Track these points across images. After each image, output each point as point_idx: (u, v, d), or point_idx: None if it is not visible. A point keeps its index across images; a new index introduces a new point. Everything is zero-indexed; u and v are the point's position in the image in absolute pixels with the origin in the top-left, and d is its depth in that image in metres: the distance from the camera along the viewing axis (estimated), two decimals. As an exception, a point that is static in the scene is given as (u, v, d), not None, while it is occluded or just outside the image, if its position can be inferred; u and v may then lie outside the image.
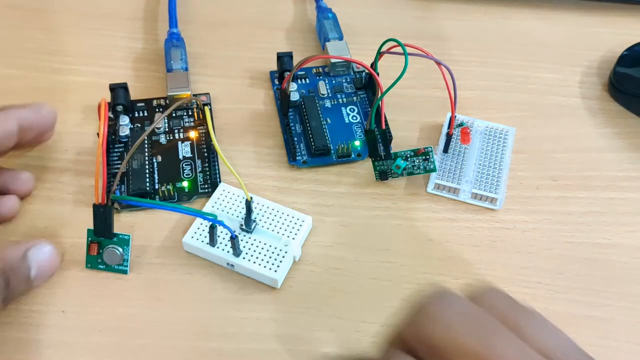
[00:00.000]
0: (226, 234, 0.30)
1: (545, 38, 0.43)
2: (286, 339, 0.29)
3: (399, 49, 0.32)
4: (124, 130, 0.35)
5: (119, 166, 0.33)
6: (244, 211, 0.31)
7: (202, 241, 0.30)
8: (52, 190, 0.33)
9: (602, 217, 0.33)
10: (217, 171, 0.34)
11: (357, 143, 0.35)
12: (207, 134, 0.35)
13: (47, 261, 0.28)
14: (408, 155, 0.34)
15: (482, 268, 0.31)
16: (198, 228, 0.31)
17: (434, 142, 0.36)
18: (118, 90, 0.35)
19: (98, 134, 0.34)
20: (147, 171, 0.33)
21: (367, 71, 0.39)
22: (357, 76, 0.39)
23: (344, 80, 0.39)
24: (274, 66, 0.39)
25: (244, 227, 0.31)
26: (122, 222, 0.32)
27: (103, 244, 0.30)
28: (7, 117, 0.29)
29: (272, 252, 0.30)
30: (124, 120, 0.35)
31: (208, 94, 0.38)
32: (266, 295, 0.30)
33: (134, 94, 0.37)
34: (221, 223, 0.28)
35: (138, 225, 0.32)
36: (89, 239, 0.30)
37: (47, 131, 0.30)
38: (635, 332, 0.29)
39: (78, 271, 0.30)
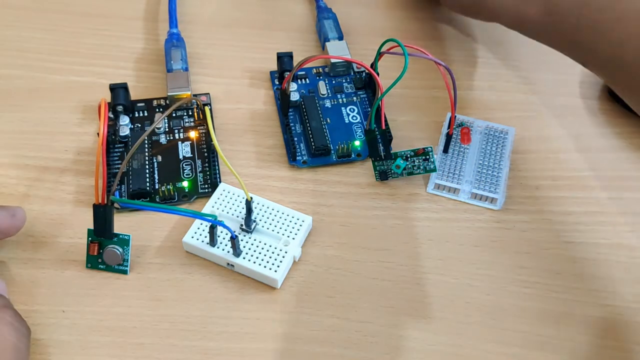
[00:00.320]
0: (226, 234, 0.30)
1: (545, 38, 0.43)
2: (286, 339, 0.29)
3: (398, 49, 0.32)
4: (124, 130, 0.35)
5: (119, 166, 0.33)
6: (244, 211, 0.31)
7: (202, 241, 0.30)
8: (52, 190, 0.33)
9: (602, 217, 0.33)
10: (217, 171, 0.34)
11: (357, 143, 0.35)
12: (207, 134, 0.35)
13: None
14: (408, 155, 0.34)
15: (482, 268, 0.31)
16: (198, 228, 0.31)
17: (434, 142, 0.36)
18: (118, 90, 0.35)
19: (98, 134, 0.34)
20: (147, 171, 0.33)
21: (367, 71, 0.39)
22: (357, 76, 0.39)
23: (344, 80, 0.39)
24: (274, 66, 0.39)
25: (244, 227, 0.31)
26: (122, 222, 0.32)
27: (103, 244, 0.30)
28: None
29: (272, 252, 0.30)
30: (124, 120, 0.35)
31: (208, 94, 0.38)
32: (266, 295, 0.30)
33: (134, 94, 0.37)
34: (221, 223, 0.28)
35: (138, 225, 0.32)
36: (89, 239, 0.30)
37: (14, 233, 0.30)
38: (635, 332, 0.29)
39: (78, 271, 0.30)
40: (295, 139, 0.35)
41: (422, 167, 0.34)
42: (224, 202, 0.32)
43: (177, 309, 0.29)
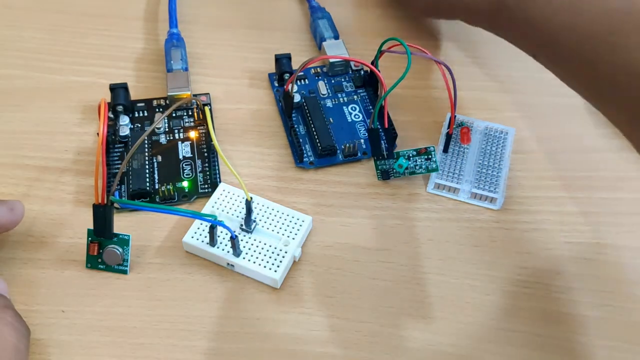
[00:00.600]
0: (226, 234, 0.30)
1: (545, 38, 0.43)
2: (286, 339, 0.29)
3: (399, 48, 0.32)
4: (124, 130, 0.35)
5: (119, 166, 0.33)
6: (244, 211, 0.31)
7: (202, 241, 0.30)
8: (52, 190, 0.33)
9: (602, 217, 0.33)
10: (217, 171, 0.34)
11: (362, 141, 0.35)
12: (207, 134, 0.35)
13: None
14: (410, 155, 0.34)
15: (482, 268, 0.31)
16: (198, 228, 0.31)
17: (434, 142, 0.36)
18: (118, 90, 0.35)
19: (98, 134, 0.34)
20: (147, 171, 0.33)
21: (365, 69, 0.39)
22: (356, 75, 0.39)
23: (343, 80, 0.39)
24: (271, 66, 0.39)
25: (244, 227, 0.31)
26: (122, 222, 0.32)
27: (103, 244, 0.30)
28: None
29: (272, 252, 0.30)
30: (124, 120, 0.35)
31: (208, 94, 0.38)
32: (266, 295, 0.30)
33: (134, 94, 0.37)
34: (221, 223, 0.28)
35: (138, 225, 0.32)
36: (89, 239, 0.30)
37: (13, 227, 0.30)
38: (635, 332, 0.29)
39: (78, 271, 0.30)
40: (300, 140, 0.35)
41: (424, 167, 0.34)
42: (224, 202, 0.32)
43: (177, 309, 0.29)
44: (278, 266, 0.30)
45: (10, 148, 0.35)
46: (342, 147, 0.35)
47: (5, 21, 0.42)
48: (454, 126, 0.36)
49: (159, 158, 0.34)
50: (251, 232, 0.31)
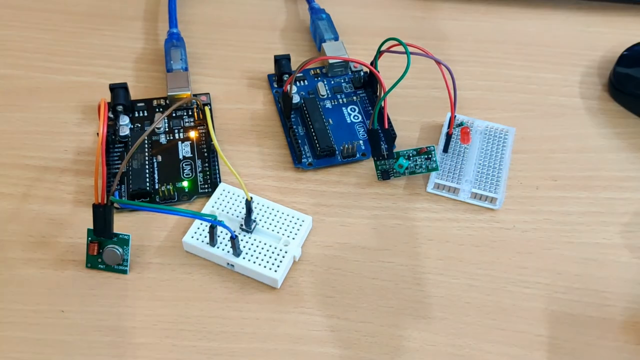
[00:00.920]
0: (226, 234, 0.30)
1: (545, 38, 0.43)
2: (286, 339, 0.29)
3: (399, 48, 0.32)
4: (124, 130, 0.35)
5: (118, 166, 0.33)
6: (244, 211, 0.31)
7: (202, 241, 0.30)
8: (52, 190, 0.33)
9: (602, 217, 0.33)
10: (217, 171, 0.34)
11: (361, 142, 0.35)
12: (207, 133, 0.35)
13: None
14: (410, 155, 0.34)
15: (482, 268, 0.31)
16: (198, 228, 0.31)
17: (433, 142, 0.36)
18: (118, 90, 0.35)
19: (98, 134, 0.34)
20: (147, 171, 0.33)
21: (365, 70, 0.39)
22: (356, 76, 0.39)
23: (342, 81, 0.39)
24: (270, 66, 0.39)
25: (244, 227, 0.31)
26: (122, 222, 0.32)
27: (103, 243, 0.30)
28: None
29: (272, 252, 0.30)
30: (124, 120, 0.35)
31: (208, 94, 0.38)
32: (266, 295, 0.30)
33: (134, 94, 0.37)
34: (221, 223, 0.28)
35: (138, 225, 0.32)
36: (89, 238, 0.30)
37: None
38: (635, 333, 0.29)
39: (78, 271, 0.30)
40: (299, 141, 0.35)
41: (424, 166, 0.34)
42: (224, 202, 0.32)
43: (177, 309, 0.29)
44: (278, 266, 0.30)
45: (10, 148, 0.35)
46: (341, 148, 0.35)
47: (5, 21, 0.42)
48: (454, 126, 0.36)
49: (159, 158, 0.34)
50: (251, 232, 0.31)
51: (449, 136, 0.35)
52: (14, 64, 0.39)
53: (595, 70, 0.41)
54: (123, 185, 0.33)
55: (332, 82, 0.39)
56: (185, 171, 0.34)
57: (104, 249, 0.30)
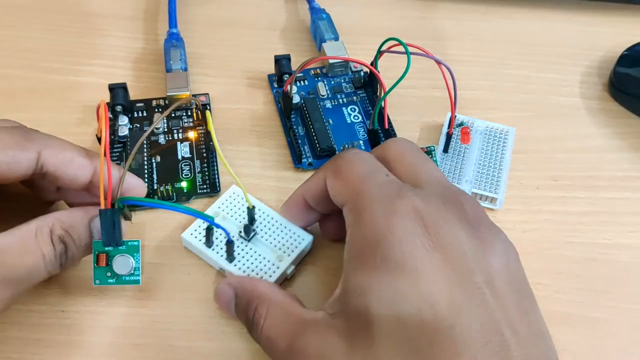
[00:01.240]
0: (224, 237, 0.30)
1: (545, 38, 0.43)
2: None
3: (399, 48, 0.32)
4: (123, 131, 0.34)
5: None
6: (248, 218, 0.31)
7: (200, 240, 0.30)
8: (51, 190, 0.33)
9: (602, 217, 0.33)
10: (216, 172, 0.34)
11: (360, 142, 0.35)
12: (206, 134, 0.35)
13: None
14: (408, 155, 0.33)
15: (482, 268, 0.31)
16: (199, 226, 0.30)
17: (434, 142, 0.36)
18: (117, 90, 0.35)
19: (97, 136, 0.34)
20: (145, 171, 0.33)
21: (365, 70, 0.39)
22: (356, 76, 0.39)
23: (342, 81, 0.39)
24: (272, 66, 0.39)
25: (242, 234, 0.30)
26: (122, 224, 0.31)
27: (111, 254, 0.27)
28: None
29: (264, 265, 0.29)
30: (123, 120, 0.35)
31: (207, 94, 0.38)
32: (266, 296, 0.30)
33: (133, 94, 0.37)
34: (217, 225, 0.27)
35: (138, 226, 0.32)
36: (95, 251, 0.27)
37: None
38: (635, 333, 0.29)
39: (78, 271, 0.30)
40: (299, 141, 0.35)
41: (422, 167, 0.33)
42: (231, 205, 0.31)
43: (177, 309, 0.29)
44: (267, 280, 0.29)
45: (9, 148, 0.35)
46: (341, 148, 0.35)
47: (5, 21, 0.42)
48: (454, 126, 0.36)
49: (158, 158, 0.34)
50: (249, 241, 0.30)
51: (449, 136, 0.35)
52: (14, 64, 0.39)
53: (596, 70, 0.41)
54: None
55: (332, 82, 0.39)
56: (184, 172, 0.34)
57: (112, 259, 0.27)
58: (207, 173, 0.34)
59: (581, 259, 0.32)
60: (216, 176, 0.34)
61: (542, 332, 0.23)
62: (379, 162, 0.27)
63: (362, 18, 0.44)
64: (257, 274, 0.29)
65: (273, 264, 0.29)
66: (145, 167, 0.33)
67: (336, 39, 0.40)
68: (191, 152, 0.35)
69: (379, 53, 0.34)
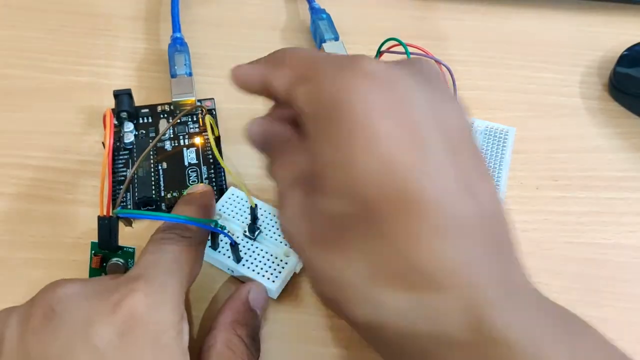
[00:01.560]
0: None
1: (545, 38, 0.43)
2: (286, 338, 0.29)
3: (399, 49, 0.32)
4: (129, 137, 0.34)
5: (123, 174, 0.33)
6: (250, 216, 0.31)
7: (206, 244, 0.30)
8: (52, 190, 0.33)
9: (602, 217, 0.34)
10: (223, 177, 0.33)
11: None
12: (216, 139, 0.35)
13: (265, 300, 0.29)
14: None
15: (482, 268, 0.31)
16: None
17: (434, 142, 0.36)
18: (122, 96, 0.35)
19: (103, 144, 0.34)
20: (152, 178, 0.33)
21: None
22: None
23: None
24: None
25: (247, 233, 0.30)
26: (124, 230, 0.31)
27: (106, 257, 0.28)
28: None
29: (273, 262, 0.29)
30: (129, 127, 0.35)
31: (213, 98, 0.38)
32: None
33: (136, 96, 0.37)
34: (221, 231, 0.28)
35: (140, 232, 0.31)
36: (92, 252, 0.28)
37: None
38: (635, 333, 0.29)
39: (78, 271, 0.30)
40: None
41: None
42: (232, 205, 0.31)
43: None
44: (277, 277, 0.29)
45: (10, 148, 0.35)
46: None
47: (5, 21, 0.42)
48: (454, 126, 0.36)
49: (164, 165, 0.34)
50: (254, 239, 0.30)
51: (449, 136, 0.35)
52: (14, 64, 0.39)
53: (596, 70, 0.41)
54: (128, 193, 0.32)
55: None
56: (191, 178, 0.33)
57: (107, 262, 0.28)
58: (214, 179, 0.34)
59: (581, 259, 0.32)
60: (223, 182, 0.33)
61: (497, 195, 0.23)
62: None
63: (362, 18, 0.44)
64: (266, 271, 0.29)
65: (281, 260, 0.30)
66: (152, 174, 0.33)
67: (336, 39, 0.40)
68: (198, 158, 0.34)
69: (379, 53, 0.34)
